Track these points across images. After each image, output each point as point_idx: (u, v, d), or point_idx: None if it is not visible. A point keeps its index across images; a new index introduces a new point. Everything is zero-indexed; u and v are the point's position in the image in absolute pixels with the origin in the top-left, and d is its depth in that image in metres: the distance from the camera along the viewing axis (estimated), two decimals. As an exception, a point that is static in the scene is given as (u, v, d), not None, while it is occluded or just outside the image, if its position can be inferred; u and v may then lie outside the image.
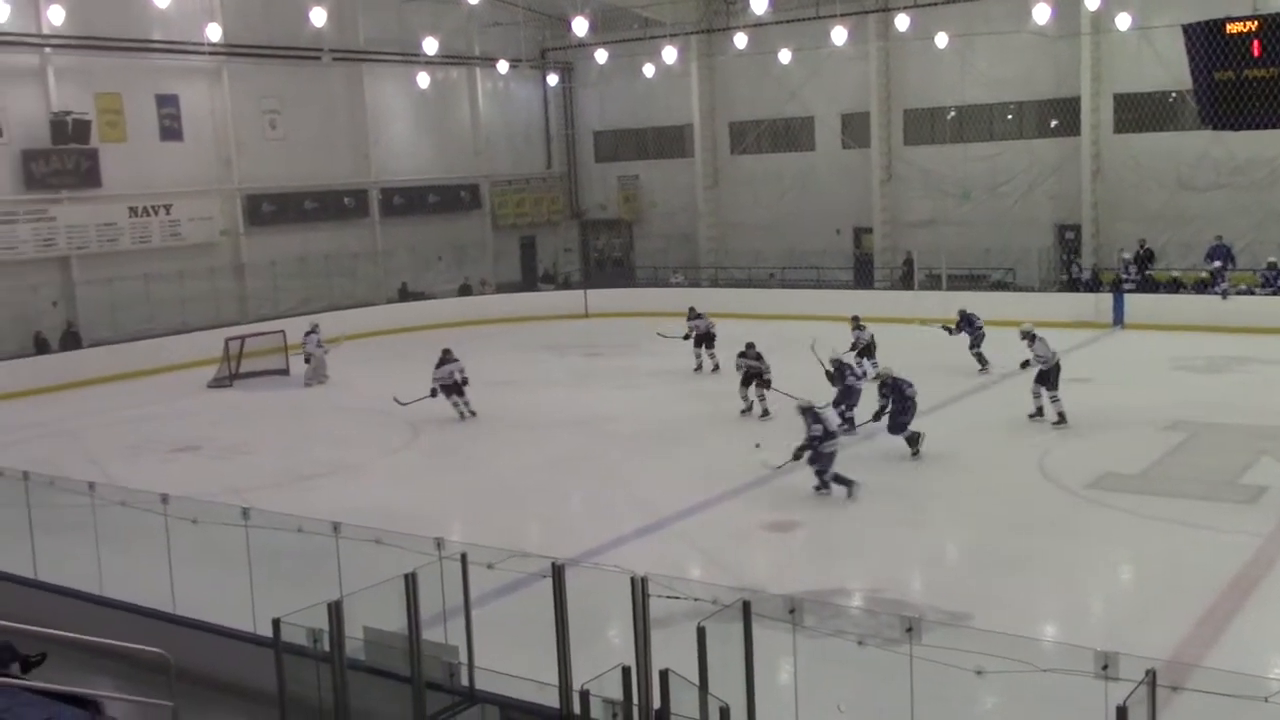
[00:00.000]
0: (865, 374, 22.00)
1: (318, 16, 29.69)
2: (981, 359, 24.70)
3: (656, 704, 7.55)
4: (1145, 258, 31.87)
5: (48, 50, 29.65)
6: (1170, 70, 30.21)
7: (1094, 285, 32.04)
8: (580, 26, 29.89)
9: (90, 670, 10.45)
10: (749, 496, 16.47)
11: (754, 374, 21.13)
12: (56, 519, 13.52)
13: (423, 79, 36.81)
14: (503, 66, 37.37)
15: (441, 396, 21.73)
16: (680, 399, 23.27)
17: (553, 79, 42.74)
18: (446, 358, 21.90)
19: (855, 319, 25.23)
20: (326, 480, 18.50)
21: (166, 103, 32.37)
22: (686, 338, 25.73)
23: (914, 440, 17.80)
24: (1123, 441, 18.38)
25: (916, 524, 15.19)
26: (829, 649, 8.49)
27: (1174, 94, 31.96)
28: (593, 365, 27.50)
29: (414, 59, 35.57)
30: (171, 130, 32.49)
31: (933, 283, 33.77)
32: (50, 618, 10.48)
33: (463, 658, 9.14)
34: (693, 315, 26.08)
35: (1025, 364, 22.05)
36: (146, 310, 31.18)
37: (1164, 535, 14.31)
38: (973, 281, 34.19)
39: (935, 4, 33.72)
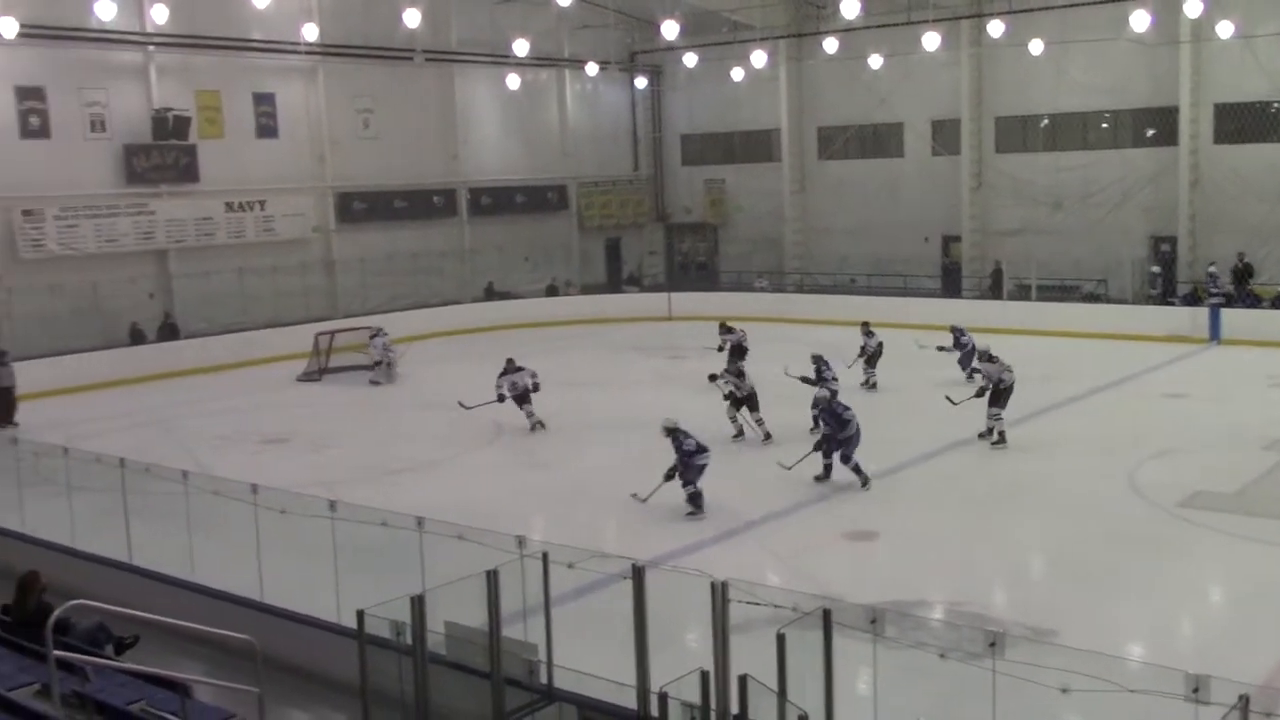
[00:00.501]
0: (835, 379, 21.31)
1: (411, 18, 30.15)
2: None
3: (735, 709, 7.52)
4: (1244, 272, 31.06)
5: (151, 48, 30.41)
6: (1273, 80, 29.49)
7: (1192, 299, 31.31)
8: (670, 29, 29.94)
9: (180, 654, 10.71)
10: (829, 504, 16.37)
11: (740, 398, 20.31)
12: (151, 505, 13.86)
13: (513, 80, 37.15)
14: (592, 69, 37.57)
15: (511, 404, 21.31)
16: (763, 404, 23.14)
17: (641, 82, 42.87)
18: (511, 366, 21.53)
19: (865, 325, 25.11)
20: (410, 475, 18.73)
21: (263, 100, 33.05)
22: (721, 349, 25.44)
23: (858, 471, 16.78)
24: (1218, 460, 17.93)
25: (1000, 537, 14.97)
26: (910, 661, 8.41)
27: (1277, 104, 31.17)
28: (675, 368, 27.51)
29: (504, 60, 35.90)
30: (267, 128, 33.17)
31: (1022, 293, 33.27)
32: (143, 601, 10.77)
33: (542, 656, 9.20)
34: (724, 330, 25.80)
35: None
36: (240, 304, 31.85)
37: (1259, 556, 13.93)
38: (1063, 292, 33.64)
39: (1030, 10, 33.25)
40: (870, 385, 24.21)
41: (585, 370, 26.88)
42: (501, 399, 21.23)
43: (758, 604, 8.16)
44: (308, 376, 27.81)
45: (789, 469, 17.20)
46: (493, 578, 8.86)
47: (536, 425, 21.23)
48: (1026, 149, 36.35)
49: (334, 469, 18.99)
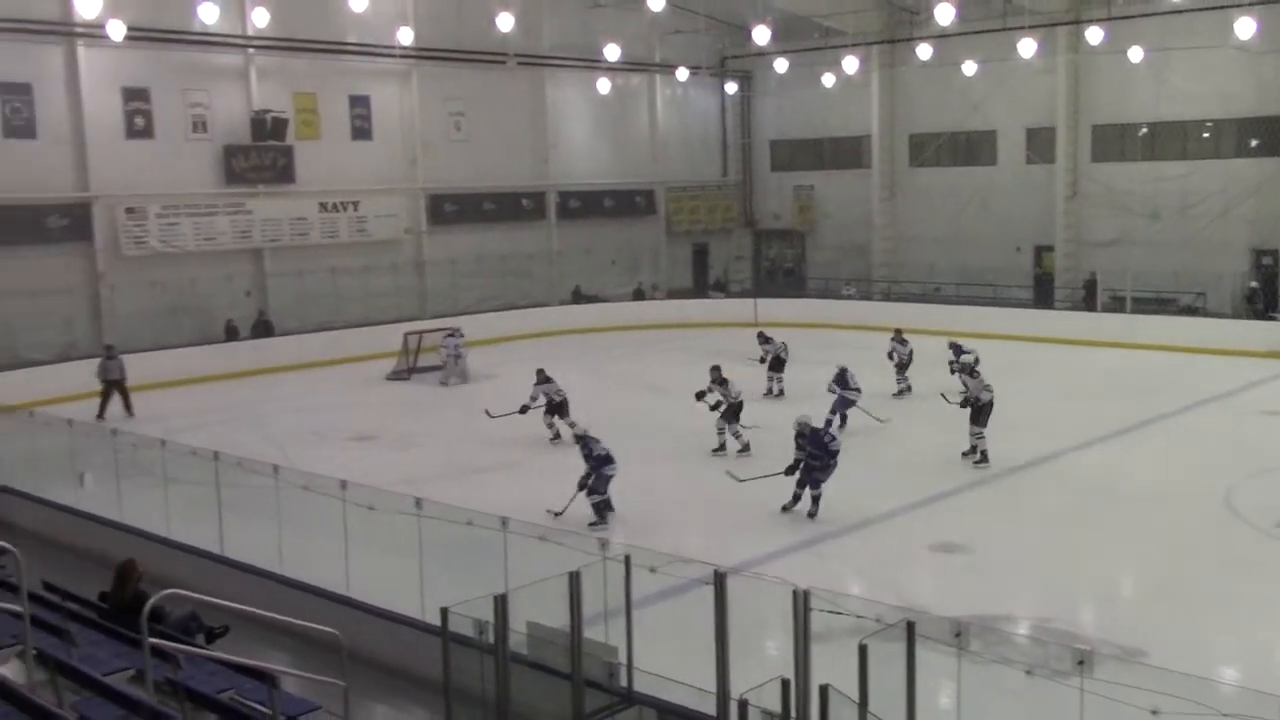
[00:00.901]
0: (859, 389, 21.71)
1: (505, 22, 30.43)
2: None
3: (815, 719, 7.48)
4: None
5: (251, 51, 31.08)
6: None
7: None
8: (761, 35, 29.87)
9: (267, 645, 10.92)
10: (914, 515, 16.19)
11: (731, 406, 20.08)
12: (243, 499, 14.15)
13: (603, 84, 37.34)
14: (682, 74, 37.61)
15: (543, 415, 20.95)
16: (849, 414, 22.97)
17: (731, 87, 42.81)
18: (542, 377, 21.34)
19: (898, 332, 24.89)
20: (495, 475, 18.90)
21: (359, 103, 33.61)
22: (762, 361, 25.14)
23: (816, 501, 16.02)
24: (1318, 480, 17.42)
25: (1091, 554, 14.66)
26: (994, 676, 8.28)
27: (1389, 114, 30.20)
28: (759, 375, 27.37)
29: (595, 64, 36.10)
30: (362, 130, 33.72)
31: (1116, 305, 32.64)
32: (233, 592, 10.98)
33: (622, 658, 9.23)
34: (763, 340, 25.51)
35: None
36: (332, 303, 32.40)
37: (1360, 581, 13.51)
38: (1159, 305, 32.93)
39: (1130, 17, 32.61)
40: (901, 393, 24.19)
41: (668, 375, 26.86)
42: (524, 410, 20.79)
43: (840, 614, 8.10)
44: (397, 375, 28.20)
45: (740, 481, 16.60)
46: (575, 579, 8.91)
47: (556, 437, 20.85)
48: (1124, 158, 35.65)
49: (421, 467, 19.22)
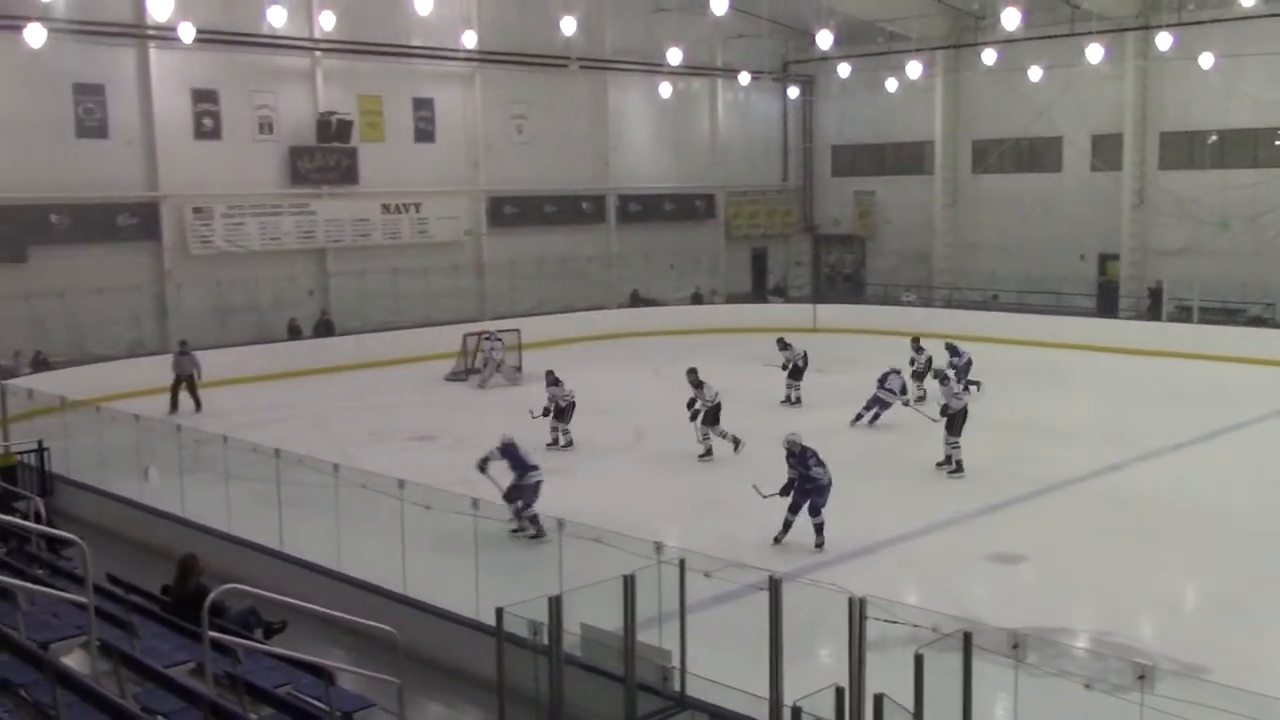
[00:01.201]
0: (905, 394, 22.32)
1: (568, 25, 30.54)
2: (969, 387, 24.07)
3: (868, 728, 7.44)
4: None
5: (317, 54, 31.48)
6: None
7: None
8: (824, 39, 29.71)
9: (324, 641, 11.04)
10: (973, 525, 16.03)
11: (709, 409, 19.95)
12: (302, 496, 14.32)
13: (665, 88, 37.37)
14: (744, 78, 37.53)
15: (550, 418, 20.87)
16: (905, 420, 22.82)
17: (793, 91, 42.67)
18: (551, 379, 21.32)
19: (915, 340, 24.79)
20: (550, 477, 18.89)
21: (422, 105, 33.91)
22: (785, 368, 24.86)
23: (819, 530, 14.88)
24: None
25: (1153, 567, 14.44)
26: (1052, 689, 8.18)
27: None
28: (817, 381, 27.25)
29: (658, 69, 36.13)
30: (425, 132, 34.02)
31: (1183, 315, 32.12)
32: (291, 588, 11.11)
33: (676, 662, 9.23)
34: (783, 346, 25.22)
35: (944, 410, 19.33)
36: (393, 303, 32.72)
37: None
38: (1227, 315, 32.34)
39: (1201, 23, 32.08)
40: (920, 399, 23.61)
41: (726, 380, 26.71)
42: (546, 412, 20.79)
43: (895, 622, 8.05)
44: (455, 376, 28.38)
45: (765, 497, 15.40)
46: (629, 582, 8.93)
47: (563, 441, 20.84)
48: (1193, 166, 35.08)
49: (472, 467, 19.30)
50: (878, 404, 22.03)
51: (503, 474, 15.17)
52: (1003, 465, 19.06)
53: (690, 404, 20.20)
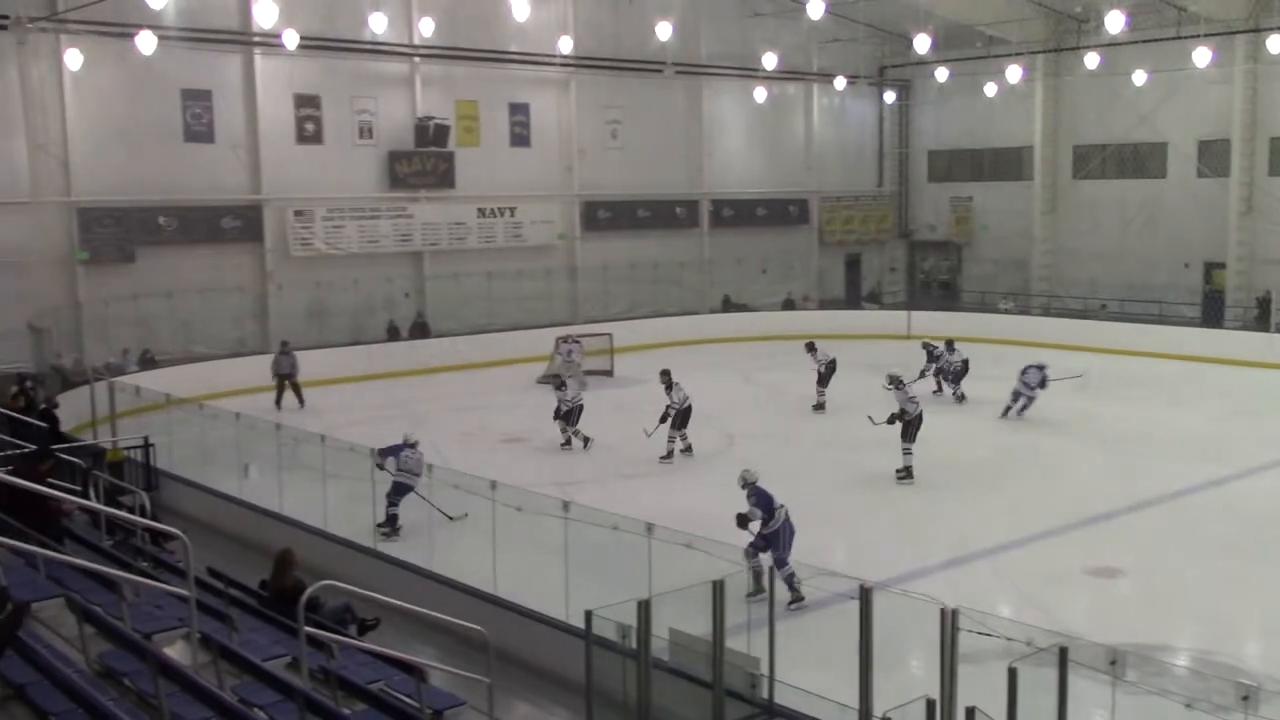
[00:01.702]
0: (1044, 386, 22.91)
1: (663, 31, 30.61)
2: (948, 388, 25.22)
3: (960, 741, 7.34)
4: None
5: (417, 60, 31.93)
6: None
7: None
8: (922, 44, 29.36)
9: (416, 639, 11.18)
10: (1071, 537, 15.71)
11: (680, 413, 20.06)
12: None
13: (760, 93, 37.23)
14: (840, 83, 37.24)
15: (561, 420, 21.22)
16: (1001, 429, 22.50)
17: (890, 96, 42.27)
18: (557, 383, 21.88)
19: (949, 342, 25.18)
20: (642, 480, 19.00)
21: (518, 111, 34.22)
22: (825, 372, 24.74)
23: (791, 584, 12.60)
24: None
25: (1258, 584, 14.01)
26: (1151, 708, 7.99)
27: None
28: (913, 388, 26.92)
29: (752, 73, 36.02)
30: (520, 137, 34.32)
31: (1291, 325, 31.17)
32: (384, 585, 11.28)
33: (764, 670, 9.18)
34: (810, 349, 25.02)
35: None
36: (487, 306, 33.05)
37: None
38: (1340, 326, 31.31)
39: (1315, 24, 31.11)
40: (959, 399, 24.93)
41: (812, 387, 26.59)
42: (561, 414, 21.20)
43: (989, 635, 7.93)
44: (547, 379, 28.53)
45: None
46: (719, 588, 8.90)
47: (574, 442, 21.15)
48: (1305, 172, 34.05)
49: (568, 470, 19.44)
50: (1019, 396, 22.91)
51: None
52: (1102, 477, 18.69)
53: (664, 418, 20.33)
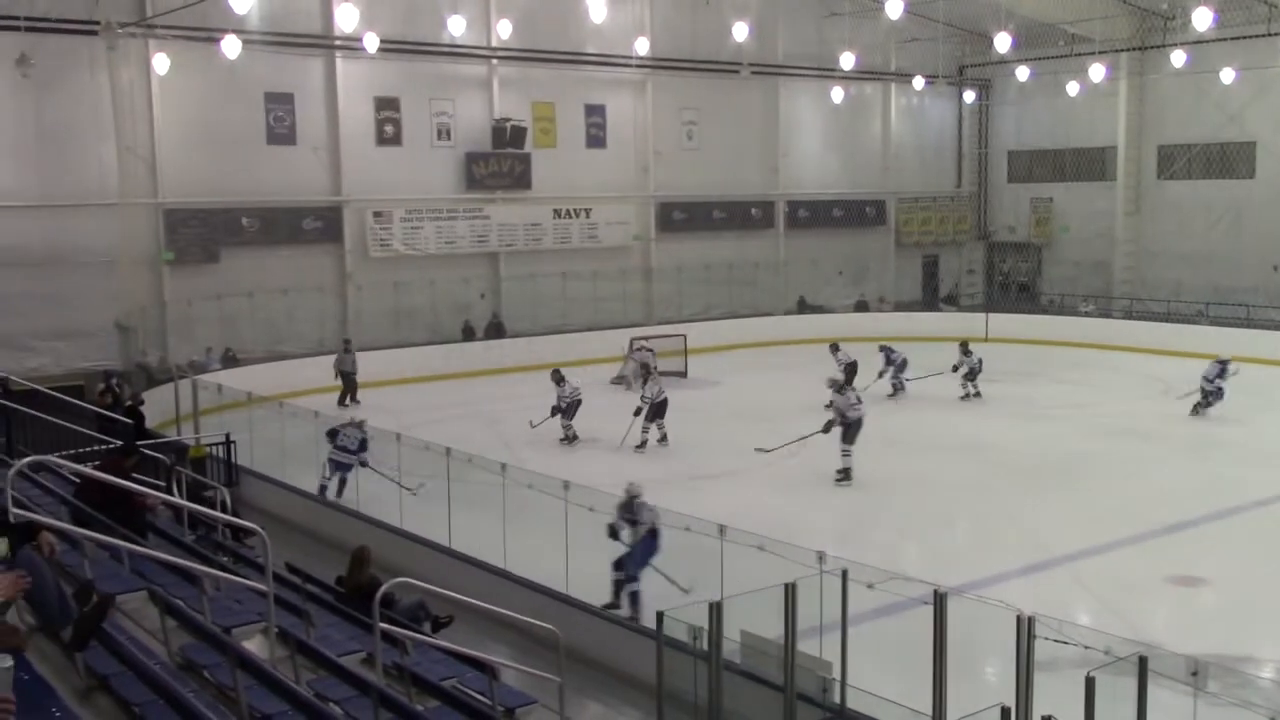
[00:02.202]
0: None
1: (739, 31, 30.52)
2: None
3: (1035, 750, 7.23)
4: None
5: (494, 62, 32.18)
6: None
7: None
8: (1002, 43, 28.94)
9: (488, 637, 11.26)
10: (1152, 545, 15.41)
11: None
12: (471, 494, 14.64)
13: (837, 94, 36.96)
14: (919, 83, 36.87)
15: (558, 417, 21.95)
16: (1082, 434, 22.13)
17: (969, 96, 41.78)
18: (556, 377, 22.20)
19: (964, 344, 25.52)
20: (714, 482, 18.97)
21: (594, 112, 34.34)
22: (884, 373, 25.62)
23: (634, 601, 12.39)
24: None
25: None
26: (1233, 720, 7.82)
27: None
28: (989, 391, 26.61)
29: (830, 74, 35.77)
30: (596, 138, 34.44)
31: (1386, 329, 30.28)
32: (458, 583, 11.39)
33: (836, 674, 9.12)
34: (834, 349, 25.54)
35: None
36: (561, 306, 33.21)
37: None
38: None
39: None
40: (967, 396, 25.56)
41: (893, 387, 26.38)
42: (554, 412, 21.89)
43: (1066, 643, 7.81)
44: (620, 380, 28.59)
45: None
46: (791, 591, 8.86)
47: (567, 439, 21.90)
48: (1400, 172, 33.06)
49: (641, 471, 19.41)
50: (1204, 392, 23.35)
51: None
52: (1188, 484, 18.33)
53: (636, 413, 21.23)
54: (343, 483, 17.27)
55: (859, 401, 19.26)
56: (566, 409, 21.73)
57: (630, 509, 12.67)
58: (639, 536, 12.58)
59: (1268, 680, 10.79)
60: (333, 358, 26.47)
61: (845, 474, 18.58)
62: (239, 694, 6.53)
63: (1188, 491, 17.83)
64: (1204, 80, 34.51)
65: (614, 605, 12.43)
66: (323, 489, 17.24)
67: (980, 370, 25.69)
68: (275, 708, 6.48)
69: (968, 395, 25.54)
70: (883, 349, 26.27)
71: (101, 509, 9.84)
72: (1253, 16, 32.55)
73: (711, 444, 21.81)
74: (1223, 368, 23.26)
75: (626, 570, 12.54)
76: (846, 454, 18.66)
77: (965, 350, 25.74)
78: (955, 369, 25.59)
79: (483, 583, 12.61)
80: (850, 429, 18.72)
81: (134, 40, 26.53)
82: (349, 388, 25.83)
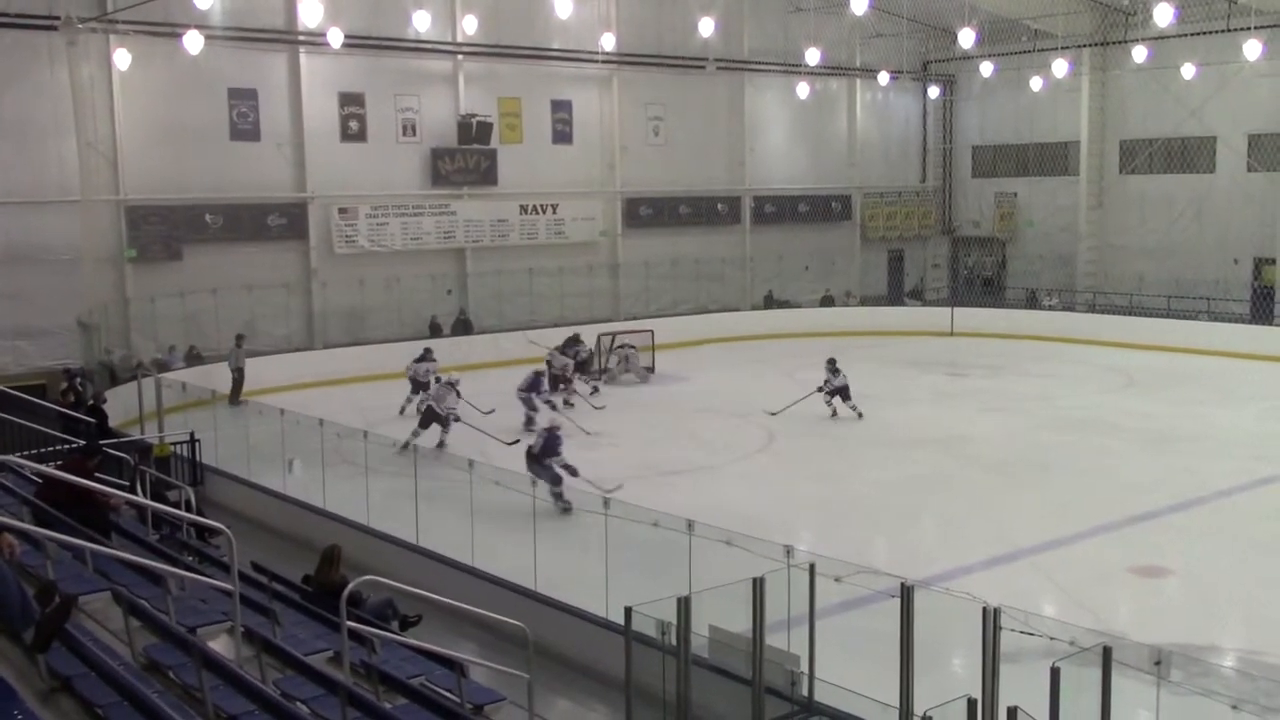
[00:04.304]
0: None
1: (705, 27, 30.55)
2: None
3: (1001, 741, 7.28)
4: None
5: (460, 57, 32.05)
6: None
7: None
8: (966, 38, 29.15)
9: (456, 634, 11.23)
10: (1117, 535, 15.54)
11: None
12: (438, 491, 14.61)
13: (802, 89, 37.05)
14: (883, 78, 37.07)
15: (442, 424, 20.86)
16: (1047, 427, 22.31)
17: (934, 91, 42.00)
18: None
19: (831, 362, 23.41)
20: (682, 477, 18.99)
21: (560, 108, 34.27)
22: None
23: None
24: None
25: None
26: (1196, 709, 7.88)
27: None
28: (955, 385, 26.80)
29: (795, 69, 35.87)
30: (563, 134, 34.38)
31: (1344, 322, 30.68)
32: (426, 581, 11.36)
33: (804, 668, 9.16)
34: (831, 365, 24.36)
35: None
36: (529, 303, 33.15)
37: None
38: (1393, 323, 30.79)
39: (1369, 15, 30.60)
40: (857, 415, 22.99)
41: (861, 384, 26.45)
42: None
43: (1032, 634, 7.87)
44: (589, 376, 28.55)
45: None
46: (759, 585, 8.89)
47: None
48: (1357, 166, 33.49)
49: (609, 467, 19.43)
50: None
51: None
52: (1151, 476, 18.49)
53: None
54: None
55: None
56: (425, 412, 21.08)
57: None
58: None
59: (1229, 669, 10.91)
60: (293, 355, 26.21)
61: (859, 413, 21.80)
62: (204, 694, 6.49)
63: (1151, 483, 18.01)
64: (1165, 76, 34.84)
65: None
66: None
67: (848, 388, 23.19)
68: (241, 708, 6.44)
69: (835, 414, 22.97)
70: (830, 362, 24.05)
71: (64, 509, 9.75)
72: (1213, 12, 32.87)
73: (680, 439, 21.84)
74: None
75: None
76: (854, 406, 21.73)
77: (833, 369, 23.43)
78: (820, 389, 23.28)
79: (451, 580, 12.57)
80: (844, 391, 22.05)
81: (94, 35, 26.24)
82: (237, 386, 24.50)
